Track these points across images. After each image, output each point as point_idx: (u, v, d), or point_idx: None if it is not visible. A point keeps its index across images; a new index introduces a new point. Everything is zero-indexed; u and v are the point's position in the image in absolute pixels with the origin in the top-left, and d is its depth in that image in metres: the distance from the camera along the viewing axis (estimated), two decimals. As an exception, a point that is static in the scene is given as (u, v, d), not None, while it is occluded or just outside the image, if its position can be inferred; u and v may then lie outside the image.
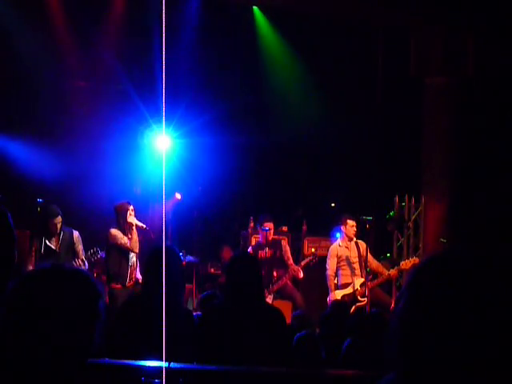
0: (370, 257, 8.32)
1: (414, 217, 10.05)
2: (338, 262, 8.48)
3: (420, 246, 9.93)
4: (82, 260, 7.32)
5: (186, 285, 8.66)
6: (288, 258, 8.72)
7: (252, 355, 3.22)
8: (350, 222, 8.44)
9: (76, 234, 7.38)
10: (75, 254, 7.31)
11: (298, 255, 9.81)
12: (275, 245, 8.78)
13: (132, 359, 2.84)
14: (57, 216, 7.19)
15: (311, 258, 8.67)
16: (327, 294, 8.52)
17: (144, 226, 7.54)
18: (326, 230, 10.21)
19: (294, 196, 11.46)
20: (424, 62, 10.32)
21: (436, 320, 1.25)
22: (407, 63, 10.42)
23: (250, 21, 10.76)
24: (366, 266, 8.22)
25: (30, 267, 7.00)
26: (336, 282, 8.53)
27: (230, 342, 3.28)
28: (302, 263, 8.65)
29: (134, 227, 7.42)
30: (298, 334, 4.02)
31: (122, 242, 7.38)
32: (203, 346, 3.32)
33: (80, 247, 7.37)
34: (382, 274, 8.47)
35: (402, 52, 10.43)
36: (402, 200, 10.09)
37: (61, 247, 7.24)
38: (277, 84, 11.20)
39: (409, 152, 10.60)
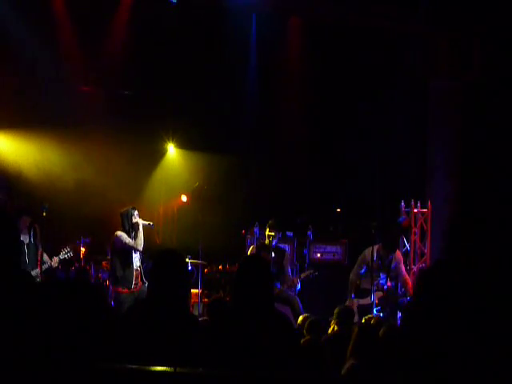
0: (402, 269, 8.36)
1: (419, 222, 10.01)
2: (366, 267, 8.38)
3: (426, 251, 9.88)
4: (54, 259, 7.75)
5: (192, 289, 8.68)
6: (287, 267, 8.66)
7: (261, 360, 3.20)
8: None
9: (37, 228, 7.71)
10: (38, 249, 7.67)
11: (303, 261, 9.79)
12: (280, 252, 8.73)
13: (137, 364, 2.83)
14: (28, 214, 7.55)
15: (311, 271, 8.73)
16: (333, 301, 8.46)
17: (151, 223, 7.97)
18: (331, 235, 10.20)
19: (300, 201, 11.43)
20: (429, 65, 10.31)
21: (443, 320, 1.27)
22: (413, 66, 10.42)
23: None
24: (398, 279, 8.27)
25: None
26: (358, 283, 8.45)
27: (239, 348, 3.26)
28: (302, 275, 8.69)
29: (140, 226, 7.82)
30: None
31: (127, 241, 7.74)
32: (211, 351, 3.29)
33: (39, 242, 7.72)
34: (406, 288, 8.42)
35: (407, 55, 10.43)
36: (407, 205, 10.06)
37: (34, 242, 7.58)
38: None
39: (414, 156, 10.58)
